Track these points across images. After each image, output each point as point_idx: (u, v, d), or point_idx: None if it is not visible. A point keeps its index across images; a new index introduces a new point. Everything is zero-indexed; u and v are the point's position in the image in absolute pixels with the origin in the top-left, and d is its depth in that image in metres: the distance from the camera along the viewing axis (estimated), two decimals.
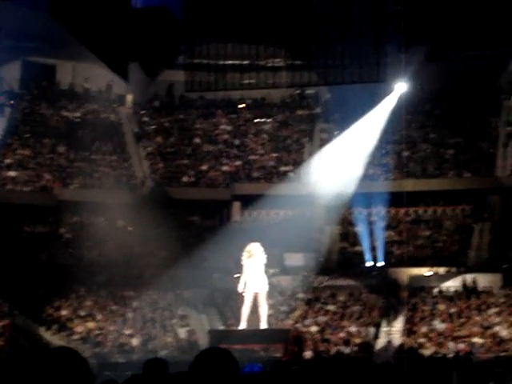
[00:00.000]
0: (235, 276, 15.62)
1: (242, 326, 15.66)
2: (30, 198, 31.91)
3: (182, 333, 27.59)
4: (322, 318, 28.27)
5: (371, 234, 32.92)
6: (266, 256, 15.19)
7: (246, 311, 15.39)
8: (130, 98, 38.85)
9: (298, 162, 35.91)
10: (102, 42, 24.19)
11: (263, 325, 15.70)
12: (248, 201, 33.85)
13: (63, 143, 35.18)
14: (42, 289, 28.38)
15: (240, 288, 15.18)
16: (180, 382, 4.15)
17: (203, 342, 24.26)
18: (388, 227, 33.46)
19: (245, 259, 15.14)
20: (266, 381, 4.30)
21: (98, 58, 25.70)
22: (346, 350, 25.93)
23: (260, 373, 4.33)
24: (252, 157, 36.84)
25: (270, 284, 30.00)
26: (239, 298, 15.59)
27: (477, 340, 25.79)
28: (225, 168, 36.14)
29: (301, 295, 30.10)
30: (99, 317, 28.00)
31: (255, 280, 14.97)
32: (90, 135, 35.36)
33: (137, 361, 22.39)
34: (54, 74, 38.38)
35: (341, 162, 33.22)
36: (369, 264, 31.89)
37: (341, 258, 32.87)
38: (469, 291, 29.29)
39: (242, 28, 29.64)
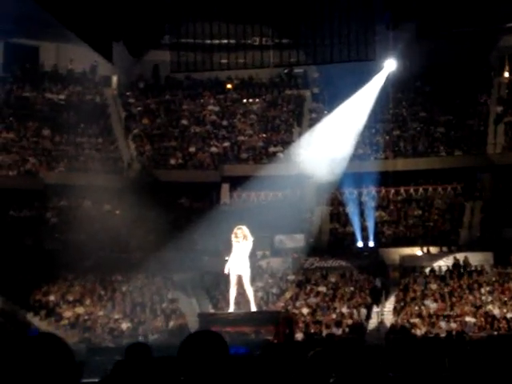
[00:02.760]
0: (225, 259, 15.35)
1: (231, 308, 15.44)
2: (15, 182, 31.44)
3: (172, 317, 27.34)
4: (313, 300, 28.05)
5: (362, 214, 32.70)
6: (252, 239, 14.95)
7: (232, 294, 15.24)
8: (114, 79, 38.34)
9: (287, 143, 35.57)
10: (85, 22, 23.67)
11: (252, 307, 15.47)
12: (237, 182, 33.54)
13: (48, 126, 34.66)
14: (30, 274, 28.01)
15: (226, 269, 15.03)
16: (164, 366, 3.92)
17: (193, 325, 23.99)
18: (379, 207, 33.25)
19: (233, 242, 14.95)
20: (254, 363, 4.04)
21: (81, 39, 25.17)
22: (338, 331, 25.72)
23: (246, 354, 4.04)
24: (240, 138, 36.47)
25: (260, 266, 29.91)
26: (227, 280, 15.34)
27: (469, 319, 25.64)
28: (213, 149, 35.75)
29: (291, 277, 29.88)
30: (88, 302, 27.69)
31: (238, 263, 14.79)
32: (75, 117, 34.86)
33: (126, 345, 22.10)
34: (38, 55, 37.81)
35: (330, 142, 32.88)
36: (360, 244, 31.69)
37: (331, 239, 32.66)
38: (460, 270, 29.14)
39: (228, 7, 29.17)
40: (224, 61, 31.18)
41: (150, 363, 4.39)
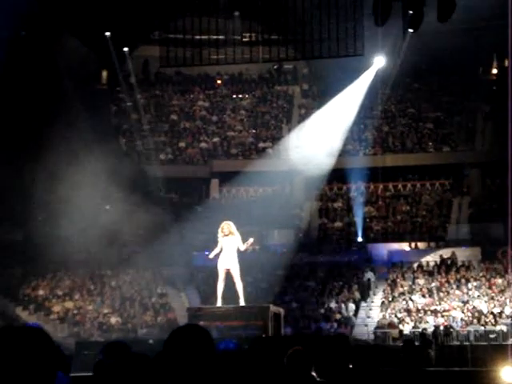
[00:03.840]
0: (205, 253, 15.51)
1: (219, 302, 15.55)
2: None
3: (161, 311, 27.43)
4: (301, 295, 28.19)
5: (350, 209, 32.85)
6: (238, 234, 15.09)
7: (220, 288, 15.36)
8: (104, 74, 38.26)
9: (276, 138, 35.67)
10: (76, 17, 23.69)
11: (241, 302, 15.58)
12: (226, 178, 33.61)
13: (37, 120, 34.54)
14: (19, 268, 28.02)
15: (211, 255, 15.18)
16: (145, 363, 3.94)
17: (182, 320, 24.08)
18: (367, 203, 33.42)
19: (220, 237, 15.08)
20: (241, 358, 4.12)
21: (71, 34, 25.19)
22: (326, 325, 25.88)
23: (235, 349, 4.12)
24: (230, 133, 36.53)
25: (249, 261, 29.99)
26: (216, 275, 15.45)
27: (456, 314, 25.84)
28: (203, 145, 35.81)
29: (280, 272, 29.99)
30: (77, 296, 27.75)
31: (227, 258, 14.93)
32: (64, 112, 34.75)
33: (116, 339, 22.19)
34: None
35: (320, 138, 33.00)
36: (348, 240, 31.83)
37: (320, 234, 32.79)
38: (448, 265, 29.34)
39: (217, 2, 29.20)
40: (213, 56, 31.20)
41: (130, 361, 4.42)
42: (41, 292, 27.83)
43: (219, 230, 15.19)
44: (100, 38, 27.96)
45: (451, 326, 24.39)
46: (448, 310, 26.17)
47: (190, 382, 2.82)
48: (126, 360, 3.31)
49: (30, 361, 2.01)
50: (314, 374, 4.38)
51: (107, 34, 28.37)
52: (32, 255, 28.42)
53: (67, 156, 33.45)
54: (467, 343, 22.59)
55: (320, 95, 35.76)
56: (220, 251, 15.22)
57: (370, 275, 28.85)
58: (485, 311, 25.64)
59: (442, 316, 25.87)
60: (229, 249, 15.06)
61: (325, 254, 30.82)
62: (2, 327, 2.14)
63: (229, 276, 15.23)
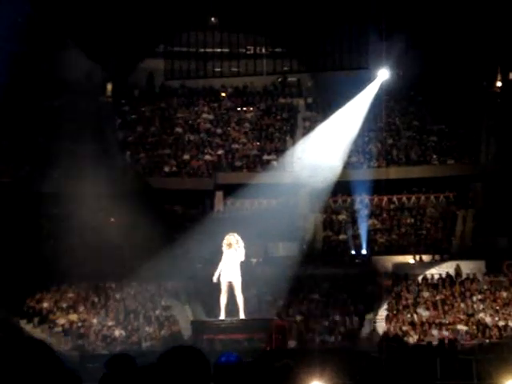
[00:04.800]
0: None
1: (222, 315, 15.52)
2: (10, 189, 31.44)
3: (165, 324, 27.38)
4: (305, 307, 28.13)
5: (355, 222, 32.83)
6: (243, 246, 15.06)
7: (223, 301, 15.32)
8: (109, 87, 38.42)
9: (280, 151, 35.71)
10: (82, 31, 23.83)
11: (241, 315, 15.54)
12: (231, 190, 33.63)
13: (42, 133, 34.69)
14: (23, 281, 28.01)
15: (214, 278, 15.16)
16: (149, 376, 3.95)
17: (186, 332, 24.06)
18: (371, 215, 33.38)
19: (224, 249, 15.05)
20: (242, 371, 4.11)
21: (78, 47, 25.35)
22: (331, 338, 25.81)
23: (236, 362, 4.12)
24: (234, 146, 36.59)
25: (253, 274, 29.98)
26: (220, 288, 15.43)
27: (461, 327, 25.76)
28: (207, 157, 35.86)
29: (284, 284, 29.93)
30: (81, 309, 27.71)
31: (229, 270, 14.90)
32: (69, 125, 34.87)
33: (120, 352, 22.14)
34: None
35: (324, 150, 33.04)
36: (352, 252, 31.80)
37: (325, 247, 32.76)
38: (453, 278, 29.26)
39: (221, 16, 29.35)
40: (218, 69, 31.36)
41: (134, 374, 4.40)
42: (45, 305, 27.81)
43: (224, 242, 15.18)
44: (105, 51, 28.12)
45: (456, 339, 24.31)
46: (453, 323, 26.10)
47: None
48: (131, 373, 3.29)
49: (35, 373, 2.01)
50: None
51: (112, 47, 28.52)
52: (36, 268, 28.42)
53: (71, 169, 33.54)
54: (472, 356, 22.50)
55: (324, 108, 35.80)
56: (223, 264, 15.19)
57: (371, 290, 28.80)
58: (490, 324, 25.56)
59: (447, 329, 25.79)
60: (232, 261, 15.03)
61: (329, 266, 30.76)
62: (6, 339, 2.14)
63: (231, 288, 15.21)
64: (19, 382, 2.02)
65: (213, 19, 29.54)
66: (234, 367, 3.88)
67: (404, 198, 34.26)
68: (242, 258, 15.04)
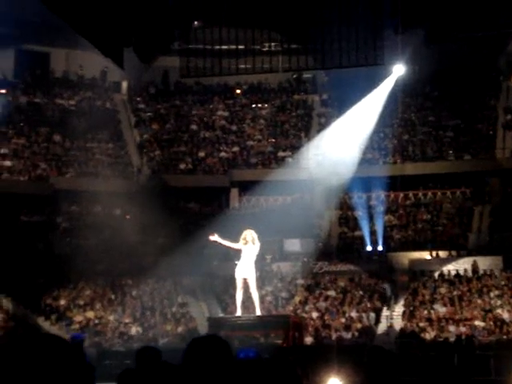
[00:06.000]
0: (235, 263, 15.46)
1: (238, 312, 15.51)
2: (26, 188, 31.66)
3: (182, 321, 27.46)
4: (322, 304, 28.11)
5: (371, 218, 32.74)
6: (259, 243, 15.03)
7: (239, 297, 15.29)
8: (125, 84, 38.55)
9: (296, 147, 35.67)
10: (96, 28, 23.85)
11: (257, 311, 15.52)
12: (246, 187, 33.64)
13: (58, 132, 34.89)
14: (41, 278, 28.19)
15: (227, 243, 15.23)
16: (174, 372, 3.96)
17: (203, 329, 24.10)
18: (387, 211, 33.29)
19: (241, 245, 15.03)
20: (262, 366, 4.11)
21: (92, 45, 25.35)
22: (347, 335, 25.77)
23: (255, 358, 4.12)
24: (250, 142, 36.59)
25: (269, 270, 29.98)
26: (235, 284, 15.43)
27: (478, 323, 25.64)
28: (222, 154, 35.89)
29: (300, 281, 29.93)
30: (98, 306, 27.83)
31: (244, 266, 14.87)
32: (85, 123, 35.06)
33: (137, 349, 22.21)
34: (48, 61, 38.07)
35: (339, 147, 32.96)
36: (369, 248, 31.73)
37: (340, 243, 32.70)
38: (469, 274, 29.13)
39: (237, 12, 29.27)
40: (233, 66, 31.32)
41: (161, 368, 4.43)
42: (62, 302, 27.95)
43: (241, 237, 15.16)
44: (120, 49, 28.11)
45: (473, 336, 24.20)
46: (470, 319, 25.98)
47: None
48: (158, 367, 3.32)
49: (60, 371, 2.00)
50: None
51: (128, 44, 28.55)
52: (53, 265, 28.59)
53: (88, 167, 33.71)
54: (490, 352, 22.38)
55: (339, 104, 35.72)
56: (237, 254, 15.16)
57: (387, 290, 28.70)
58: (507, 320, 25.42)
59: (464, 325, 25.68)
60: (247, 258, 15.00)
61: (345, 262, 30.72)
62: (28, 335, 2.14)
63: (246, 285, 15.19)
64: (39, 379, 2.02)
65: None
66: (253, 363, 3.88)
67: (420, 194, 34.14)
68: (254, 255, 15.01)
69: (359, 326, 26.43)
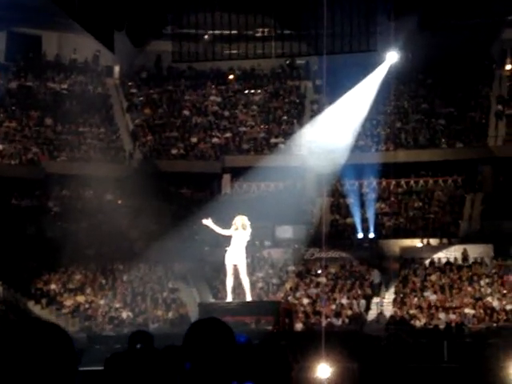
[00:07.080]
0: (226, 249, 15.40)
1: (229, 298, 15.49)
2: (17, 171, 31.54)
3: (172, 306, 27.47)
4: (313, 291, 28.16)
5: (362, 205, 32.75)
6: (250, 229, 14.97)
7: (229, 283, 15.27)
8: (117, 69, 38.34)
9: (288, 134, 35.60)
10: (88, 12, 23.65)
11: (248, 297, 15.50)
12: (238, 173, 33.58)
13: (50, 115, 34.72)
14: (31, 263, 28.13)
15: (218, 229, 15.17)
16: (169, 355, 3.93)
17: (193, 315, 24.11)
18: (379, 199, 33.31)
19: (232, 231, 14.97)
20: (252, 352, 4.10)
21: (84, 28, 25.15)
22: (338, 322, 25.84)
23: (246, 343, 4.10)
24: (242, 128, 36.50)
25: (260, 257, 29.99)
26: (224, 270, 15.42)
27: (468, 311, 25.75)
28: (214, 140, 35.80)
29: (292, 267, 29.97)
30: (89, 290, 27.82)
31: (235, 252, 14.82)
32: (77, 107, 34.89)
33: (127, 334, 22.21)
34: (40, 44, 37.80)
35: (332, 133, 32.90)
36: (360, 236, 31.76)
37: (332, 230, 32.71)
38: (460, 262, 29.22)
39: None
40: (226, 51, 31.19)
41: (153, 352, 4.40)
42: (53, 286, 27.92)
43: (233, 223, 15.10)
44: (111, 33, 27.93)
45: (463, 323, 24.30)
46: (460, 307, 26.09)
47: (211, 375, 2.80)
48: (150, 351, 3.28)
49: (50, 357, 1.97)
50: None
51: (120, 28, 28.38)
52: (44, 249, 28.52)
53: (80, 152, 33.59)
54: (479, 340, 22.48)
55: (332, 90, 35.63)
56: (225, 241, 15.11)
57: (376, 278, 28.72)
58: (497, 308, 25.53)
59: (454, 313, 25.78)
60: (237, 244, 14.95)
61: (336, 249, 30.74)
62: (17, 320, 2.11)
63: (236, 271, 15.15)
64: (29, 365, 1.99)
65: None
66: (243, 348, 3.85)
67: (412, 182, 34.16)
68: (245, 242, 14.95)
69: (349, 312, 26.50)
